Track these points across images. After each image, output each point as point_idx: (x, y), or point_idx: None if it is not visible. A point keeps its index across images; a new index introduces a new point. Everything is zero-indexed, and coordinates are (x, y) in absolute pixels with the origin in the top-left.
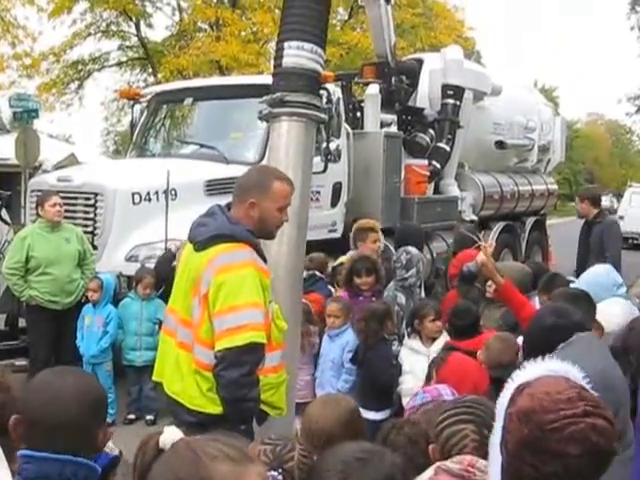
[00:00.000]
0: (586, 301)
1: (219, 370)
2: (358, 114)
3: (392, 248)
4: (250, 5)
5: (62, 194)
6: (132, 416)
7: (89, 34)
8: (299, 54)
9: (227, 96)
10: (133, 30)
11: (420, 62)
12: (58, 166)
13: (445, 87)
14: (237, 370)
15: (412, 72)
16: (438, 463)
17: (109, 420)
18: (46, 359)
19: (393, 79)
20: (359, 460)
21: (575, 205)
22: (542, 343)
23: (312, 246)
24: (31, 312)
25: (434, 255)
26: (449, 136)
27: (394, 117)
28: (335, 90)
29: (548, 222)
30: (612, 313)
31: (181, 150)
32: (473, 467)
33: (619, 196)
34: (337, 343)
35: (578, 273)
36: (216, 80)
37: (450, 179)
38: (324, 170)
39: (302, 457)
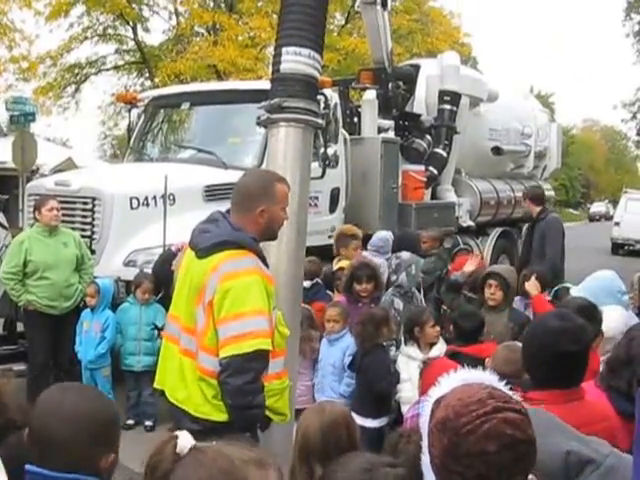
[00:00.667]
0: (593, 312)
1: (224, 377)
2: (355, 120)
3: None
4: (247, 10)
5: (60, 198)
6: (131, 421)
7: (86, 38)
8: (297, 60)
9: (225, 101)
10: (130, 34)
11: (417, 68)
12: (55, 170)
13: (442, 93)
14: (242, 377)
15: (409, 78)
16: None
17: None
18: (44, 364)
19: (390, 85)
20: (366, 471)
21: (572, 211)
22: (548, 347)
23: (312, 252)
24: (29, 317)
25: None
26: (446, 142)
27: (391, 123)
28: (333, 96)
29: None
30: (611, 319)
31: (179, 155)
32: None
33: (615, 202)
34: (337, 347)
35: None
36: (214, 85)
37: (447, 185)
38: (322, 176)
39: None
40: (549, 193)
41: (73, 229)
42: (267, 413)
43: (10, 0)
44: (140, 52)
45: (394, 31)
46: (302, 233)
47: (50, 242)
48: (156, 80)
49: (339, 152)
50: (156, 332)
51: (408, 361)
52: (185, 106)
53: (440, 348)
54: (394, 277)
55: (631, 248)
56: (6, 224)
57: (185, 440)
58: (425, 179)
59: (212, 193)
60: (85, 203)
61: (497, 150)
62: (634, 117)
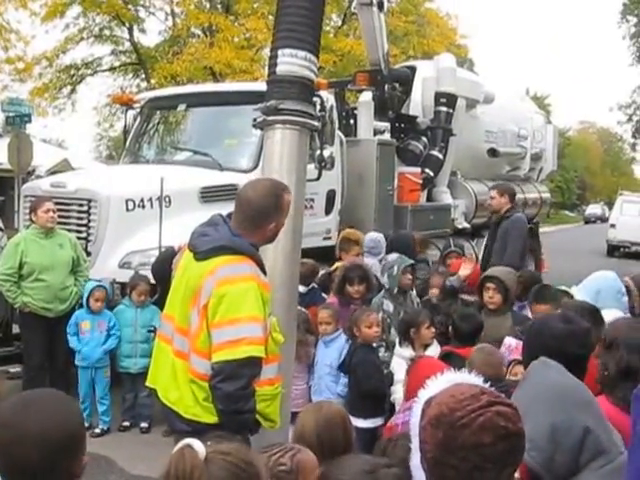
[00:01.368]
0: (595, 315)
1: (216, 382)
2: (351, 121)
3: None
4: (243, 11)
5: (55, 200)
6: (127, 423)
7: (82, 39)
8: (293, 62)
9: (221, 103)
10: (126, 35)
11: (413, 70)
12: (51, 171)
13: (438, 95)
14: (234, 383)
15: (405, 80)
16: None
17: (104, 427)
18: (40, 366)
19: (386, 86)
20: (369, 473)
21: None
22: (554, 349)
23: (307, 254)
24: (25, 319)
25: (429, 263)
26: (442, 144)
27: (387, 125)
28: (329, 97)
29: (541, 230)
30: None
31: (175, 156)
32: None
33: (610, 204)
34: (333, 348)
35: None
36: (210, 86)
37: (443, 187)
38: (318, 177)
39: None
40: (546, 195)
41: (69, 231)
42: (257, 417)
43: (6, 0)
44: (136, 53)
45: (390, 32)
46: (298, 235)
47: (46, 244)
48: (152, 81)
49: (335, 154)
50: (152, 334)
51: (403, 362)
52: (181, 108)
53: (434, 350)
54: (383, 279)
55: (627, 250)
56: (2, 225)
57: (199, 445)
58: (421, 181)
59: (208, 195)
60: (81, 205)
61: (493, 152)
62: (630, 119)
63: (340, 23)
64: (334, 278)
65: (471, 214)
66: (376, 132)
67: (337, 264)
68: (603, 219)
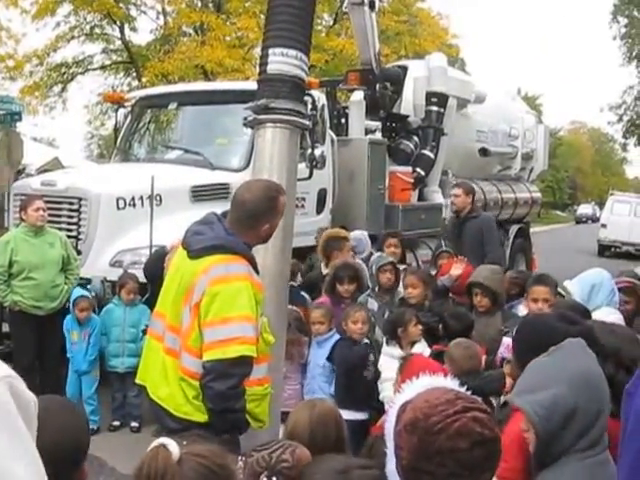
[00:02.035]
0: (585, 316)
1: (207, 381)
2: (343, 121)
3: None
4: (235, 10)
5: (46, 198)
6: (116, 423)
7: (73, 37)
8: (283, 61)
9: (212, 101)
10: (117, 33)
11: (405, 69)
12: (42, 170)
13: (429, 94)
14: (225, 382)
15: (397, 79)
16: None
17: (93, 427)
18: (30, 364)
19: (378, 86)
20: (341, 473)
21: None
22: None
23: (299, 252)
24: (14, 317)
25: (419, 262)
26: (433, 143)
27: (378, 124)
28: (320, 96)
29: (533, 230)
30: None
31: (166, 155)
32: None
33: (601, 204)
34: (326, 348)
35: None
36: (201, 85)
37: (434, 186)
38: (309, 176)
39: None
40: (537, 195)
41: (59, 229)
42: (246, 417)
43: None
44: (127, 52)
45: (382, 32)
46: (289, 234)
47: (36, 242)
48: (143, 80)
49: (326, 153)
50: (141, 334)
51: (390, 361)
52: (172, 106)
53: (422, 348)
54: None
55: (617, 250)
56: None
57: (173, 446)
58: (412, 180)
59: (199, 194)
60: (71, 203)
61: (484, 151)
62: (620, 119)
63: (332, 22)
64: (325, 277)
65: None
66: (367, 131)
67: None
68: (594, 219)
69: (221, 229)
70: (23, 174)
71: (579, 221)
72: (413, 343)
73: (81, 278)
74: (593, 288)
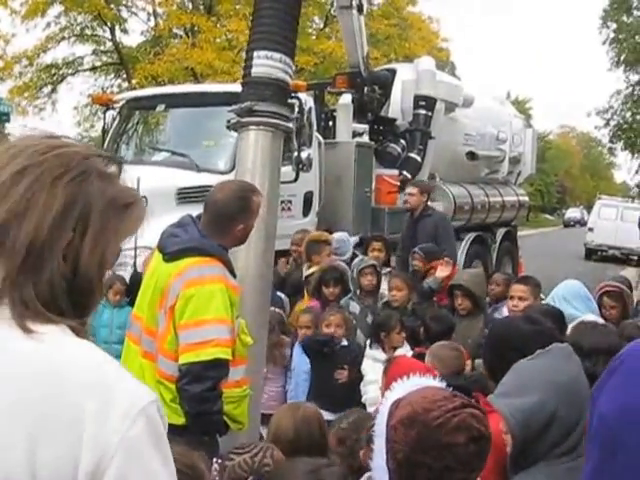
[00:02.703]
0: (559, 319)
1: (183, 384)
2: (330, 123)
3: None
4: (225, 12)
5: None
6: None
7: (63, 38)
8: (267, 64)
9: (200, 104)
10: (108, 35)
11: (393, 72)
12: None
13: (417, 98)
14: (200, 385)
15: (385, 82)
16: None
17: None
18: None
19: (366, 89)
20: (312, 472)
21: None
22: (519, 350)
23: (285, 256)
24: None
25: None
26: (420, 147)
27: (366, 127)
28: (307, 99)
29: (520, 233)
30: None
31: (153, 157)
32: None
33: (590, 208)
34: None
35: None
36: (189, 87)
37: None
38: (295, 179)
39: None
40: (524, 199)
41: None
42: (225, 419)
43: None
44: (118, 53)
45: (371, 35)
46: (271, 237)
47: None
48: (133, 82)
49: (313, 156)
50: None
51: (374, 363)
52: (160, 108)
53: (404, 350)
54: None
55: (604, 254)
56: None
57: None
58: (399, 183)
59: (185, 196)
60: None
61: (472, 155)
62: (607, 124)
63: (322, 25)
64: (310, 281)
65: (450, 217)
66: (355, 134)
67: (312, 269)
68: (582, 223)
69: (195, 231)
70: None
71: (567, 225)
72: (395, 348)
73: None
74: (569, 302)
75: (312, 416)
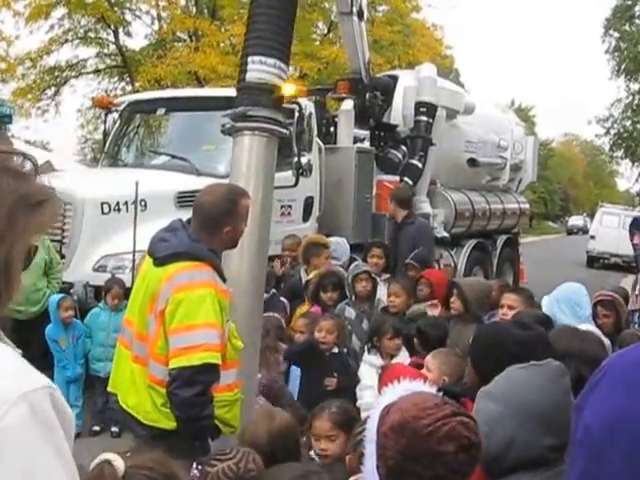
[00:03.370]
0: (548, 326)
1: (173, 389)
2: (332, 129)
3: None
4: (229, 17)
5: None
6: (97, 428)
7: (66, 40)
8: (262, 69)
9: (200, 108)
10: (111, 38)
11: (395, 79)
12: None
13: (418, 104)
14: (190, 390)
15: (386, 88)
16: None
17: (75, 431)
18: None
19: (367, 95)
20: (302, 477)
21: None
22: (517, 356)
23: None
24: None
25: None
26: (421, 153)
27: (367, 133)
28: (307, 104)
29: (524, 240)
30: None
31: (153, 161)
32: None
33: (592, 216)
34: None
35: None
36: (189, 91)
37: (422, 196)
38: (295, 184)
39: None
40: (525, 206)
41: None
42: (217, 423)
43: None
44: (121, 56)
45: (375, 42)
46: (264, 241)
47: None
48: (136, 85)
49: (313, 161)
50: None
51: (370, 369)
52: (160, 112)
53: (402, 357)
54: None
55: (606, 261)
56: None
57: (119, 462)
58: None
59: (184, 200)
60: None
61: (473, 162)
62: (607, 132)
63: (326, 31)
64: (309, 285)
65: (450, 223)
66: (356, 140)
67: (312, 274)
68: (585, 230)
69: (185, 236)
70: None
71: (570, 232)
72: (392, 356)
73: (63, 282)
74: (573, 313)
75: (287, 427)
